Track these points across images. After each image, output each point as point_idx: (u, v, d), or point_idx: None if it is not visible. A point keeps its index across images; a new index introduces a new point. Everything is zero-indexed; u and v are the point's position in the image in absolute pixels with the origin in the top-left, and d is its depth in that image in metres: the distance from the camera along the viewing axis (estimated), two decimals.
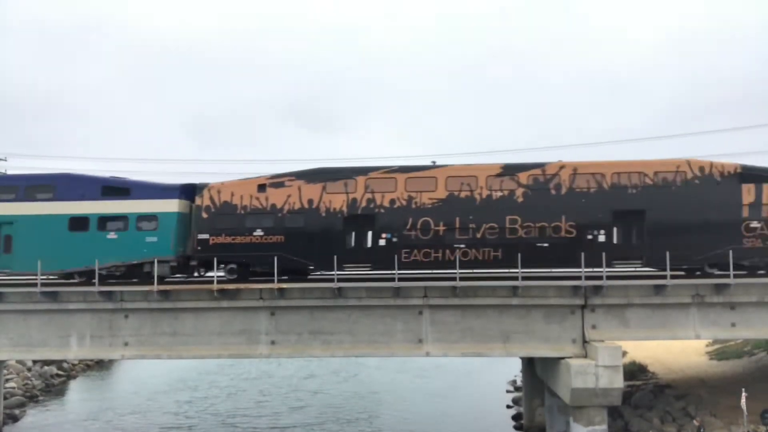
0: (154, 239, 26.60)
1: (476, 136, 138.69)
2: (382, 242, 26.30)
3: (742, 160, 28.42)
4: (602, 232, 25.81)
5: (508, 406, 35.16)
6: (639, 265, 25.83)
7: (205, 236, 26.72)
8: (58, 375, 42.78)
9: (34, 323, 26.35)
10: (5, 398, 32.52)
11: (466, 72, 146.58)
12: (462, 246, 25.93)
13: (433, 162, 27.56)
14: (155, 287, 25.35)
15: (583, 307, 25.32)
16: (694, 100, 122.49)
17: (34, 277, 25.78)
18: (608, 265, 25.15)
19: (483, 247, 25.93)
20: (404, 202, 26.40)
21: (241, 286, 25.76)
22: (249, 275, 27.02)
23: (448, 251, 25.89)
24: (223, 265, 27.08)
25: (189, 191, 27.56)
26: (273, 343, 26.01)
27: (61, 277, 27.60)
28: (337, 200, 26.63)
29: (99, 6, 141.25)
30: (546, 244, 25.76)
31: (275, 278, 25.28)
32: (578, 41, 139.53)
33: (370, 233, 26.55)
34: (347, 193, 26.69)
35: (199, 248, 26.83)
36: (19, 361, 39.61)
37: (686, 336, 25.85)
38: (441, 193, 26.39)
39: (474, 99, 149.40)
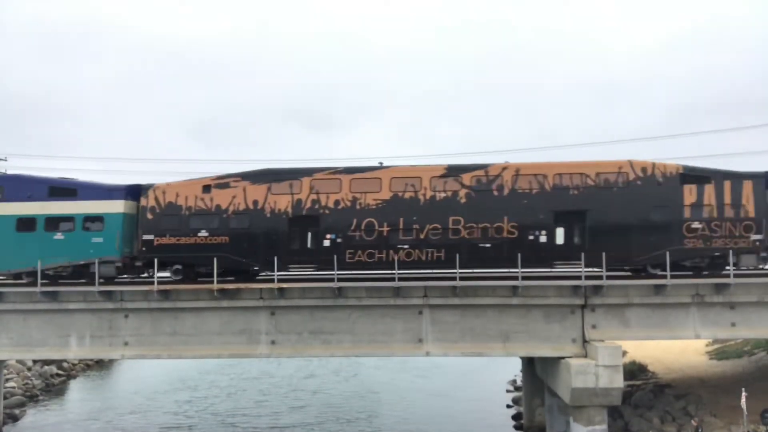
0: (100, 240, 26.72)
1: (476, 136, 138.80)
2: (326, 243, 26.45)
3: (743, 159, 28.49)
4: (543, 232, 26.02)
5: (508, 406, 35.17)
6: (580, 266, 25.91)
7: (150, 237, 26.78)
8: (58, 375, 42.81)
9: (34, 323, 26.36)
10: (5, 398, 32.52)
11: (466, 72, 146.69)
12: (406, 247, 26.09)
13: (380, 163, 27.63)
14: (155, 287, 25.36)
15: (583, 306, 25.33)
16: (694, 100, 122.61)
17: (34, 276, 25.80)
18: (550, 266, 25.38)
19: (426, 248, 26.09)
20: (349, 203, 26.55)
21: (242, 285, 25.76)
22: (195, 276, 27.10)
23: (392, 252, 26.04)
24: (168, 266, 27.15)
25: (135, 192, 27.62)
26: (273, 342, 26.01)
27: (9, 277, 27.92)
28: (282, 201, 26.73)
29: (100, 7, 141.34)
30: (488, 245, 25.97)
31: (271, 279, 25.29)
32: (578, 41, 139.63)
33: (314, 234, 26.67)
34: (292, 194, 26.79)
35: (143, 249, 26.87)
36: (19, 361, 39.66)
37: (686, 336, 25.86)
38: (385, 194, 26.53)
39: (474, 99, 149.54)
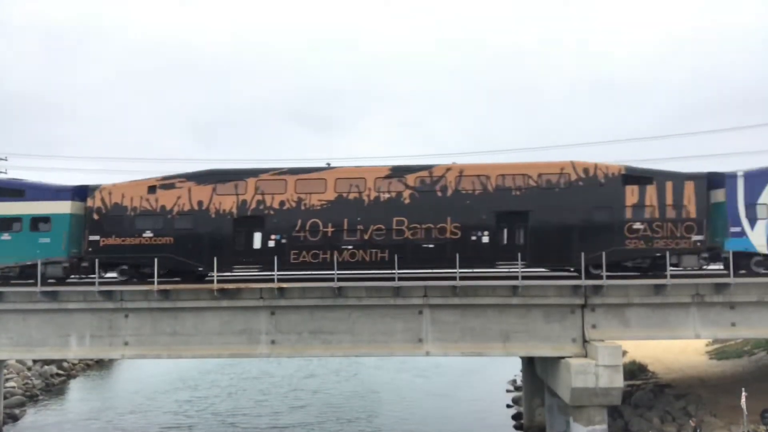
0: (47, 240, 26.73)
1: (476, 136, 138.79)
2: (271, 243, 26.48)
3: (743, 159, 28.48)
4: (486, 233, 26.12)
5: (508, 406, 35.17)
6: (522, 266, 26.01)
7: (96, 237, 26.79)
8: (58, 374, 42.82)
9: (34, 323, 26.37)
10: (5, 398, 32.53)
11: (466, 72, 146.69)
12: (350, 247, 26.16)
13: (328, 164, 27.66)
14: (155, 287, 25.37)
15: (583, 306, 25.33)
16: (693, 100, 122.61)
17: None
18: (492, 266, 25.45)
19: (371, 248, 26.16)
20: (294, 204, 26.59)
21: (242, 285, 25.77)
22: (142, 277, 27.13)
23: (336, 252, 26.10)
24: (114, 267, 27.20)
25: (83, 193, 27.60)
26: (273, 342, 26.02)
27: None
28: (227, 202, 26.75)
29: (100, 8, 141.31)
30: (432, 246, 26.04)
31: (272, 279, 25.30)
32: (578, 41, 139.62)
33: (259, 234, 26.68)
34: (237, 194, 26.81)
35: (90, 249, 26.86)
36: (19, 361, 39.68)
37: (686, 336, 25.86)
38: (330, 195, 26.58)
39: (474, 99, 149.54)
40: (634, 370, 35.42)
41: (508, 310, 25.56)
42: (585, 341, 25.06)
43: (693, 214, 25.72)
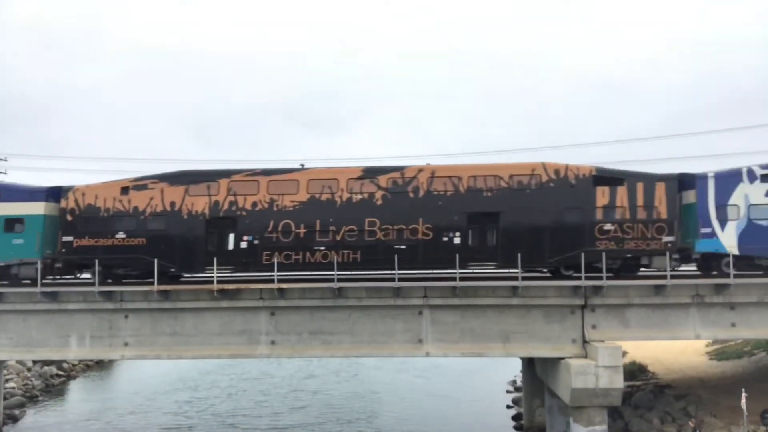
0: (21, 241, 26.73)
1: (476, 136, 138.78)
2: (243, 244, 26.48)
3: (743, 159, 28.47)
4: (458, 234, 26.16)
5: (508, 406, 35.17)
6: (494, 267, 26.05)
7: (70, 238, 26.78)
8: (58, 375, 42.81)
9: (34, 323, 26.36)
10: (5, 398, 32.52)
11: (466, 72, 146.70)
12: (322, 248, 26.17)
13: (302, 165, 27.68)
14: (155, 287, 25.36)
15: (583, 307, 25.33)
16: (694, 101, 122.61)
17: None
18: (463, 267, 25.51)
19: (343, 249, 26.14)
20: (266, 205, 26.58)
21: (242, 286, 25.76)
22: (118, 278, 27.17)
23: (308, 253, 26.14)
24: (88, 268, 27.16)
25: (57, 194, 27.57)
26: (273, 343, 26.01)
27: None
28: (199, 203, 26.74)
29: (100, 8, 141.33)
30: (403, 246, 26.04)
31: (271, 279, 25.30)
32: (578, 42, 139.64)
33: (232, 236, 26.71)
34: (210, 195, 26.80)
35: (63, 250, 26.87)
36: (19, 361, 39.66)
37: (686, 336, 25.87)
38: (302, 196, 26.58)
39: (474, 99, 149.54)
40: (634, 371, 35.42)
41: (508, 311, 25.56)
42: (585, 342, 25.06)
43: (664, 215, 25.78)
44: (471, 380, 41.62)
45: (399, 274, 25.18)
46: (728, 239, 25.58)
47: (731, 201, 25.72)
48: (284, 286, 25.33)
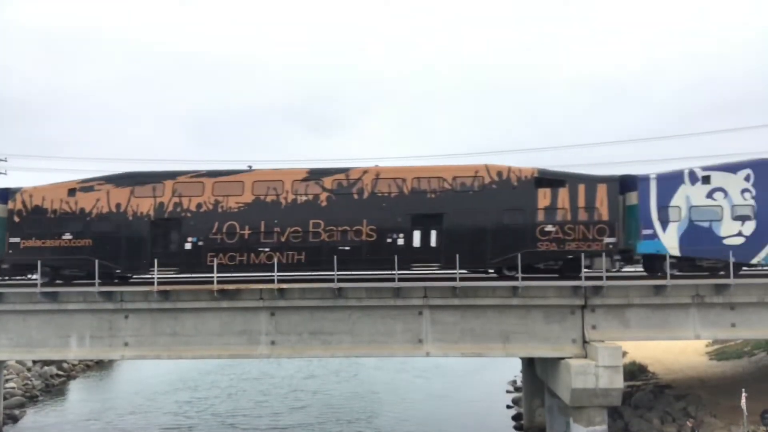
0: None
1: (476, 136, 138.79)
2: (188, 246, 26.55)
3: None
4: (401, 235, 26.29)
5: (508, 407, 35.18)
6: (437, 268, 26.10)
7: (17, 240, 26.85)
8: (58, 375, 42.81)
9: (34, 323, 26.36)
10: (5, 398, 32.54)
11: (466, 72, 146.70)
12: (267, 250, 26.21)
13: (249, 167, 27.70)
14: (155, 287, 25.37)
15: (583, 307, 25.33)
16: (694, 100, 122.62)
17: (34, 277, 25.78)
18: (406, 268, 25.60)
19: (287, 251, 26.22)
20: (211, 206, 26.64)
21: (242, 286, 25.77)
22: (68, 279, 27.15)
23: (253, 255, 26.20)
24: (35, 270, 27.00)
25: (4, 195, 27.58)
26: (273, 343, 26.01)
27: None
28: (144, 204, 26.82)
29: (100, 8, 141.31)
30: (348, 248, 26.12)
31: (271, 279, 25.32)
32: (578, 42, 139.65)
33: (176, 237, 26.77)
34: (155, 197, 26.88)
35: (10, 252, 26.89)
36: (19, 362, 39.67)
37: (686, 336, 25.88)
38: (247, 198, 26.65)
39: (474, 99, 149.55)
40: (634, 371, 35.44)
41: (508, 311, 25.56)
42: (585, 342, 25.07)
43: (605, 217, 25.87)
44: (471, 380, 41.62)
45: (399, 274, 25.18)
46: (669, 240, 25.66)
47: (673, 202, 25.78)
48: (284, 286, 25.33)
